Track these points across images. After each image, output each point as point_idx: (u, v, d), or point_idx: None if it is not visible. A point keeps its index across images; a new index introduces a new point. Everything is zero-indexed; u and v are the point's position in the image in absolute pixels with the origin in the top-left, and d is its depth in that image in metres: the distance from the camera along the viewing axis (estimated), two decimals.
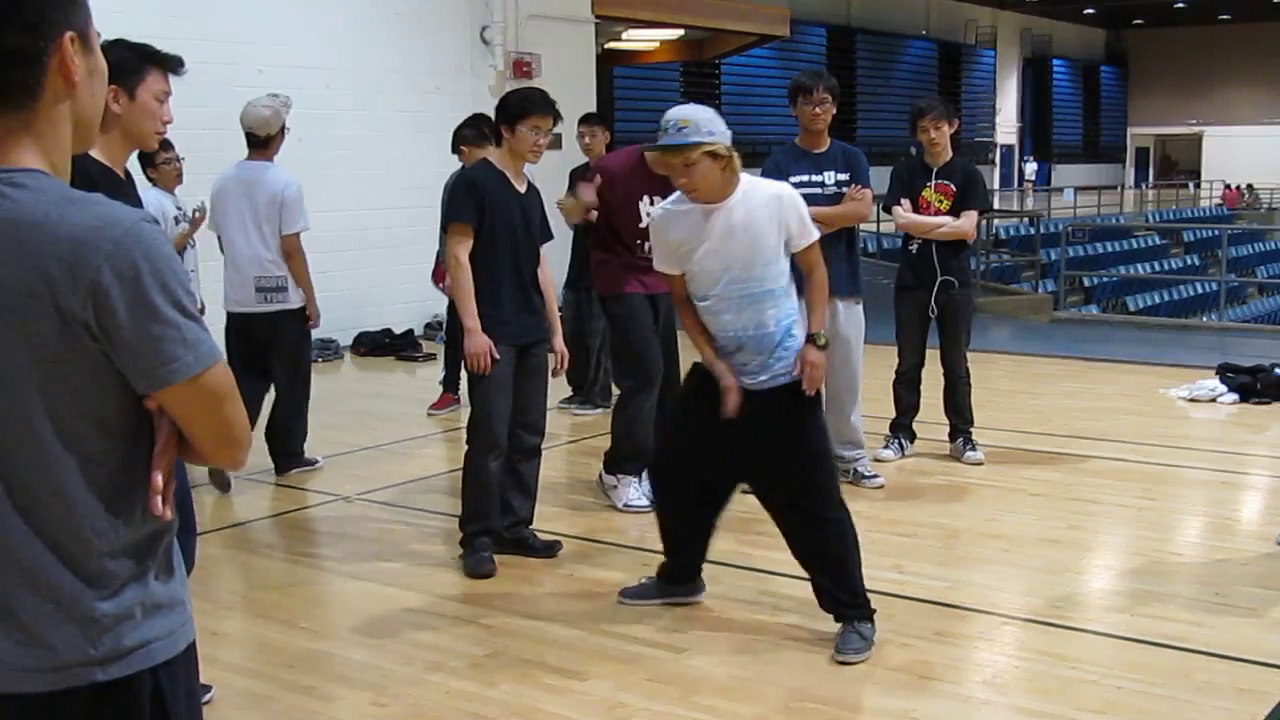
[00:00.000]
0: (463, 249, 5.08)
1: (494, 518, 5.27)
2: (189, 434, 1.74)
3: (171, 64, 3.57)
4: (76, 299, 1.60)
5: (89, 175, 3.06)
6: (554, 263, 5.45)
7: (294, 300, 6.70)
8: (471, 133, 7.64)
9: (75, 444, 1.67)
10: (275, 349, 6.77)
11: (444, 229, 5.16)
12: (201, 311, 1.76)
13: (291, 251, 6.64)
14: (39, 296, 1.60)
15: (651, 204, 5.77)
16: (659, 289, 5.93)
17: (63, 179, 1.71)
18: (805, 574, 4.46)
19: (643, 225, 5.82)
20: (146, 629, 1.75)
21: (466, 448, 5.27)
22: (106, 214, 1.63)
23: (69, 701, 1.71)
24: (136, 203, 3.44)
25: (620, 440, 6.10)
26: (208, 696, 3.78)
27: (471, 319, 5.05)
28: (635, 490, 6.10)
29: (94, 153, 3.31)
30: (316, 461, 7.07)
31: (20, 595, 1.68)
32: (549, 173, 9.28)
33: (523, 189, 5.24)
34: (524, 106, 5.12)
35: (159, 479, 1.73)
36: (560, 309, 5.65)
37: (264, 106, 6.55)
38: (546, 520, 5.70)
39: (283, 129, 6.65)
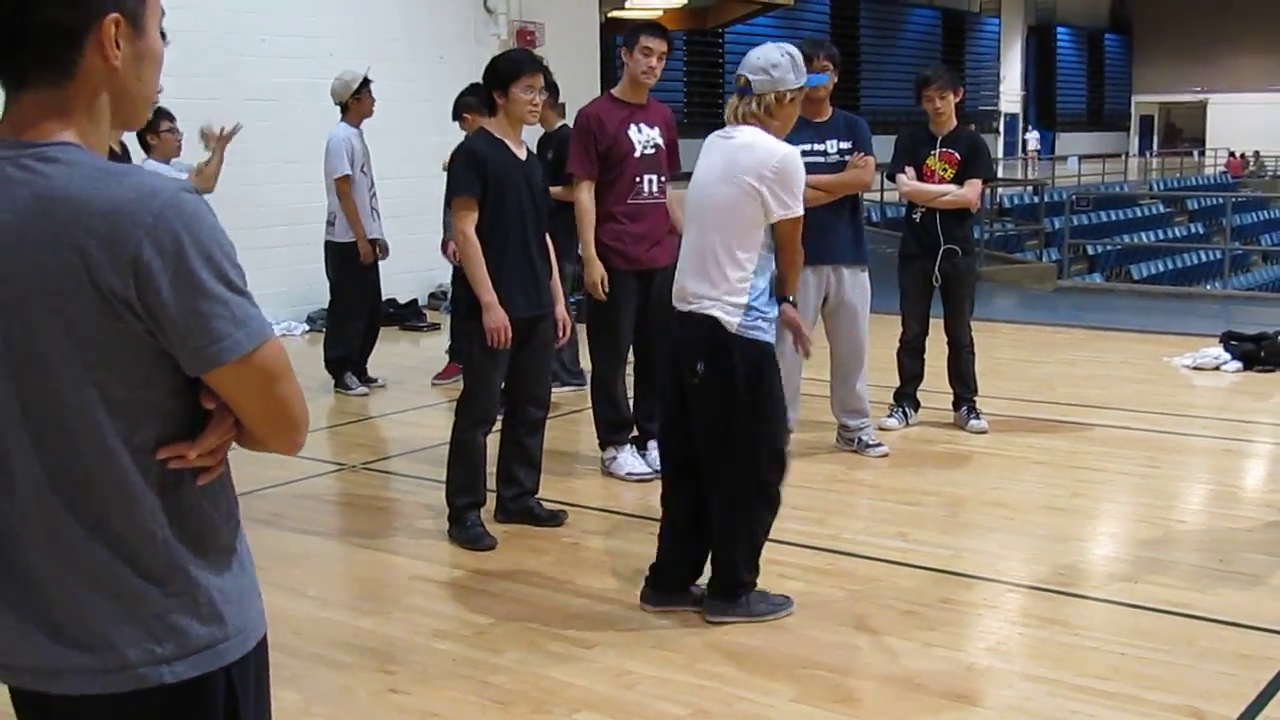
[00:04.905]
0: (469, 223, 5.00)
1: (481, 490, 5.27)
2: (242, 416, 1.65)
3: None
4: (117, 277, 1.51)
5: None
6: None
7: (337, 235, 8.02)
8: (474, 100, 7.62)
9: (130, 432, 1.59)
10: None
11: (447, 204, 5.08)
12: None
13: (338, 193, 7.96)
14: (76, 276, 1.52)
15: (640, 131, 5.82)
16: (655, 263, 5.90)
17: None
18: (810, 543, 4.46)
19: (638, 155, 5.83)
20: (215, 627, 1.67)
21: (455, 420, 5.25)
22: (145, 185, 1.55)
23: (137, 706, 1.63)
24: None
25: (604, 414, 6.14)
26: None
27: (488, 293, 4.97)
28: (634, 459, 6.11)
29: None
30: (351, 387, 8.12)
31: (80, 595, 1.61)
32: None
33: (523, 156, 5.17)
34: (515, 68, 5.04)
35: (196, 449, 1.63)
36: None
37: (335, 79, 8.07)
38: (552, 489, 5.71)
39: (354, 97, 7.95)
